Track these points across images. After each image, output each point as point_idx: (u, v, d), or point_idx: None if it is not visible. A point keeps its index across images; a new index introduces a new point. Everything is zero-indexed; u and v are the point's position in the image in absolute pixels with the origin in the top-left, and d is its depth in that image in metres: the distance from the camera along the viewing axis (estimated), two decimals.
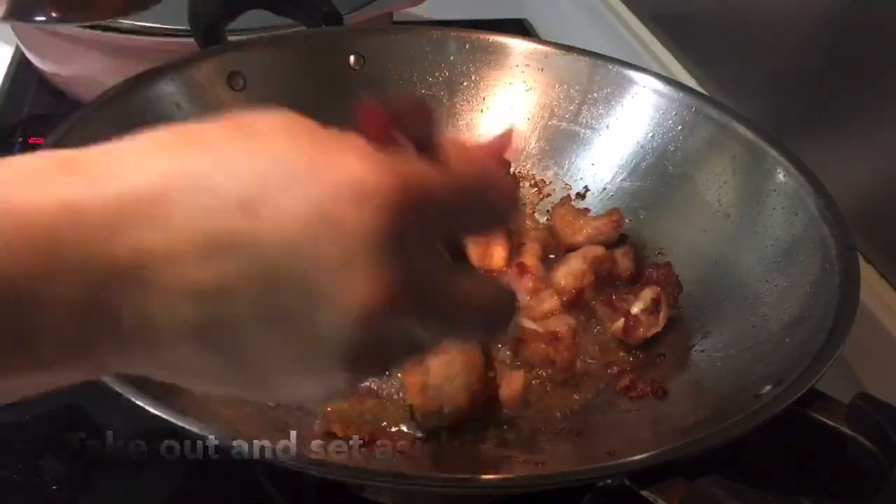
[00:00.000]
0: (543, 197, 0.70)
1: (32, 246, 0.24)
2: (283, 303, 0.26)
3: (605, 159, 0.69)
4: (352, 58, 0.71)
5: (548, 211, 0.69)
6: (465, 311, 0.31)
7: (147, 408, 0.40)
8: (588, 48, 0.72)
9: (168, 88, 0.63)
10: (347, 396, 0.51)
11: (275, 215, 0.25)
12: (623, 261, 0.62)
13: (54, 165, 0.26)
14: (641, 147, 0.67)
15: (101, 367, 0.29)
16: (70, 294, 0.25)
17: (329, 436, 0.49)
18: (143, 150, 0.27)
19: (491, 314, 0.32)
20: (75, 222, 0.24)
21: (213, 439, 0.39)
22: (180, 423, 0.39)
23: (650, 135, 0.67)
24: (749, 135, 0.62)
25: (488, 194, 0.31)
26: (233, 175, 0.26)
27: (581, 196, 0.69)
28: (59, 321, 0.25)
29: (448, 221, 0.30)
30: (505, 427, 0.52)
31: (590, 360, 0.57)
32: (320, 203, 0.25)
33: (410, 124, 0.31)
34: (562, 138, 0.70)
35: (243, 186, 0.25)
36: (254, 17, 0.72)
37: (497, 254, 0.62)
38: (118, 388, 0.40)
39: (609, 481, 0.39)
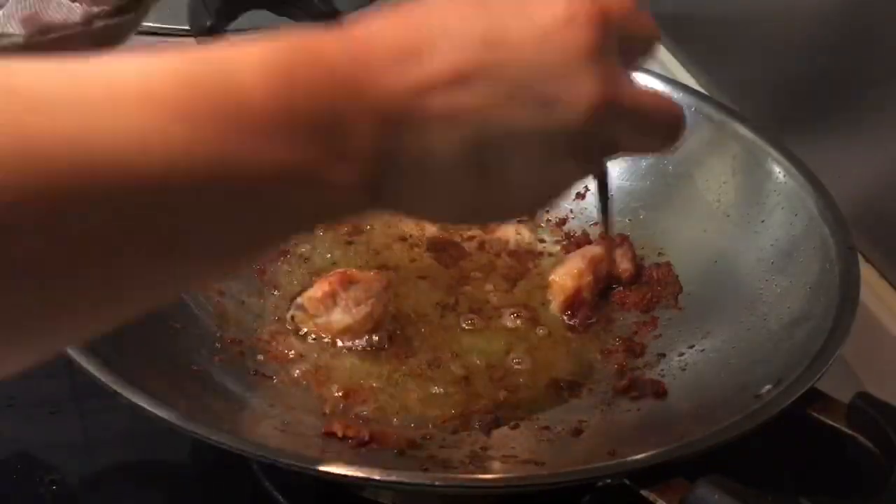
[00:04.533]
0: None
1: (337, 84, 0.30)
2: (528, 112, 0.32)
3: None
4: None
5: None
6: (652, 120, 0.36)
7: (147, 408, 0.40)
8: None
9: None
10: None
11: (510, 45, 0.32)
12: (622, 261, 0.62)
13: (332, 36, 0.31)
14: None
15: (368, 210, 0.34)
16: (365, 136, 0.30)
17: (329, 436, 0.49)
18: (386, 20, 0.32)
19: (670, 126, 0.37)
20: (364, 65, 0.30)
21: (213, 440, 0.39)
22: (180, 424, 0.39)
23: None
24: (749, 135, 0.62)
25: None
26: (469, 23, 0.32)
27: (581, 196, 0.68)
28: (352, 169, 0.30)
29: (637, 45, 0.37)
30: (506, 427, 0.52)
31: (590, 358, 0.57)
32: (543, 30, 0.32)
33: None
34: None
35: (480, 29, 0.32)
36: (254, 18, 0.72)
37: None
38: (118, 389, 0.40)
39: (609, 481, 0.39)
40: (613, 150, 0.37)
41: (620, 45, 0.34)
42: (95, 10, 0.52)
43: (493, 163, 0.33)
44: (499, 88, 0.32)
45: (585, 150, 0.34)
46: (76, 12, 0.51)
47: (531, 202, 0.37)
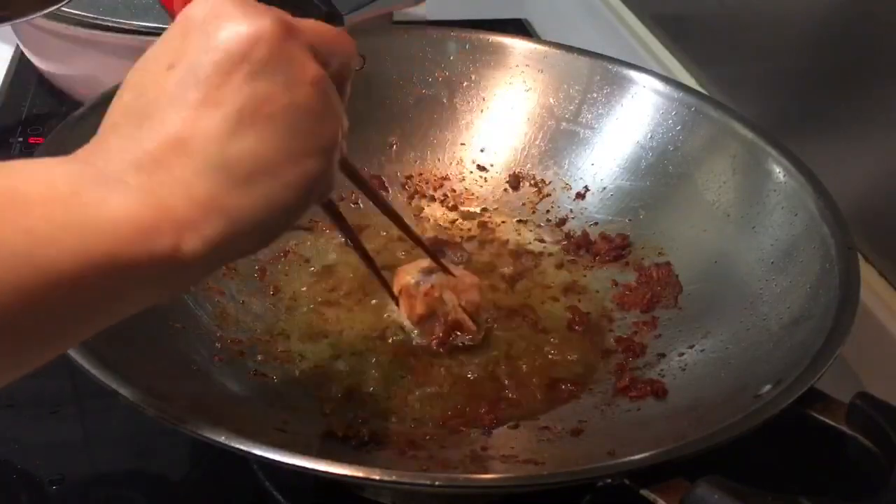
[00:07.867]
0: (543, 197, 0.70)
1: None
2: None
3: (605, 159, 0.69)
4: None
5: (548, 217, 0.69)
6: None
7: (147, 408, 0.40)
8: (588, 48, 0.72)
9: None
10: None
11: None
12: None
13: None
14: (641, 147, 0.67)
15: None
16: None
17: (329, 436, 0.49)
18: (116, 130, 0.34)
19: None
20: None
21: (213, 440, 0.39)
22: (180, 424, 0.39)
23: (650, 135, 0.67)
24: (749, 135, 0.62)
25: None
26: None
27: (581, 196, 0.69)
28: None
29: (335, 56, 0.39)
30: (506, 427, 0.52)
31: (590, 358, 0.57)
32: (229, 53, 0.34)
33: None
34: (562, 138, 0.70)
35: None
36: None
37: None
38: (118, 389, 0.40)
39: (609, 481, 0.39)
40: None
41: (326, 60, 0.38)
42: None
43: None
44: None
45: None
46: None
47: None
